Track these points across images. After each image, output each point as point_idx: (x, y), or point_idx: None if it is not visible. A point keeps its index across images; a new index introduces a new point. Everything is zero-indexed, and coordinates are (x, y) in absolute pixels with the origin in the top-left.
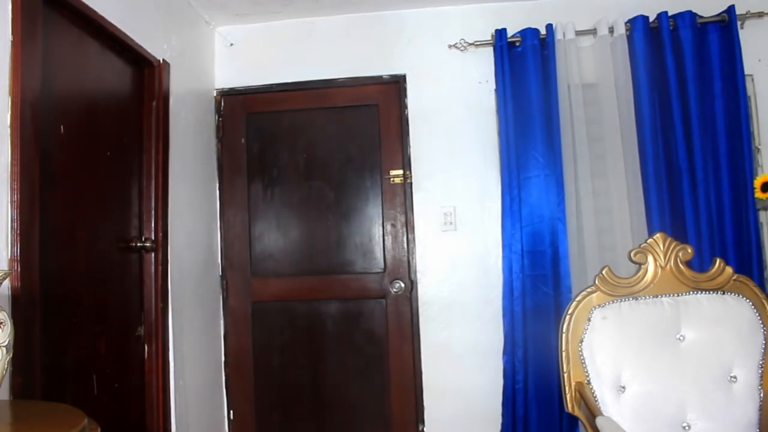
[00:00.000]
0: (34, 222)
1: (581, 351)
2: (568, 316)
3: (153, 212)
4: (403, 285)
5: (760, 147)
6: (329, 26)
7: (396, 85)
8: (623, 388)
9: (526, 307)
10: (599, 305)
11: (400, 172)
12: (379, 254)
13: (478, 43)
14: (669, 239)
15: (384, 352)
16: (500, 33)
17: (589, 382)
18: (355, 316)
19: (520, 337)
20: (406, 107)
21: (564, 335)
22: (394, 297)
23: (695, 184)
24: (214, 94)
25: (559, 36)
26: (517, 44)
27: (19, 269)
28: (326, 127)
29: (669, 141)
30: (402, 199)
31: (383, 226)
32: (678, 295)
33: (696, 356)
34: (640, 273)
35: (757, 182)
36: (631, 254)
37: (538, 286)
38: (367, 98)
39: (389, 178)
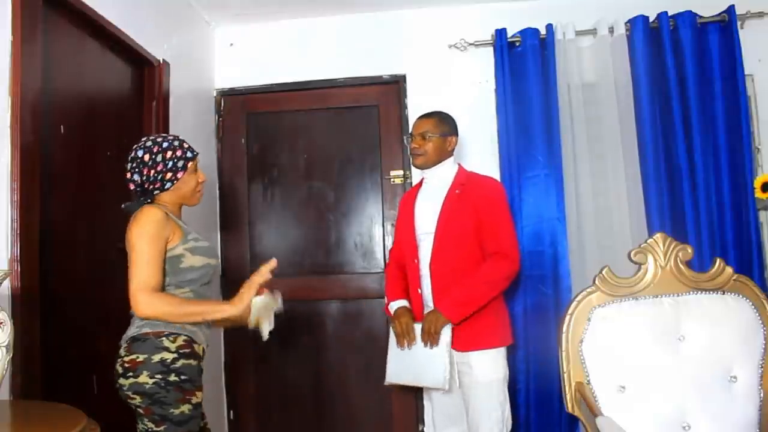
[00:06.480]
0: (34, 222)
1: (581, 351)
2: (568, 316)
3: None
4: None
5: (760, 147)
6: (329, 26)
7: (396, 86)
8: (623, 388)
9: (526, 307)
10: (599, 305)
11: (401, 172)
12: (379, 254)
13: (478, 43)
14: (669, 239)
15: (384, 352)
16: (500, 33)
17: (589, 382)
18: (355, 316)
19: (521, 337)
20: (405, 107)
21: (564, 335)
22: None
23: (695, 184)
24: (214, 94)
25: (559, 36)
26: (517, 44)
27: (19, 269)
28: (326, 127)
29: (669, 141)
30: None
31: (383, 226)
32: (678, 295)
33: (696, 356)
34: (640, 273)
35: (757, 182)
36: (631, 254)
37: (538, 287)
38: (368, 99)
39: (390, 179)
